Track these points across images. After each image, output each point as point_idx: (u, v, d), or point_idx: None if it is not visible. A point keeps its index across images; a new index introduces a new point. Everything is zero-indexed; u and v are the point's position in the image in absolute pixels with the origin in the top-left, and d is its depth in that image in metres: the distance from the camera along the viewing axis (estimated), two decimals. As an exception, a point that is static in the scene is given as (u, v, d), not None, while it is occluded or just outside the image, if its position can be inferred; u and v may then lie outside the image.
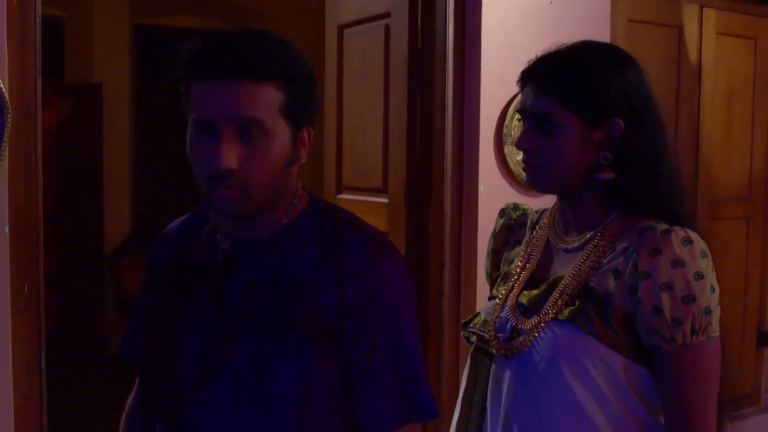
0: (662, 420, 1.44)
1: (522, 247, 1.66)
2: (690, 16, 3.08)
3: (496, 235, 1.76)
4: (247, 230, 1.36)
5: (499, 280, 1.67)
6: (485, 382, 1.57)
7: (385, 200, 2.80)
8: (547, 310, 1.48)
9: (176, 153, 7.20)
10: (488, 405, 1.55)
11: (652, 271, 1.38)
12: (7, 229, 1.90)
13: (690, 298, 1.37)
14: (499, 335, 1.53)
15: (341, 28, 3.05)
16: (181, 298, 1.39)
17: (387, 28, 2.78)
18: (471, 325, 1.64)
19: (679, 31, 3.06)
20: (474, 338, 1.61)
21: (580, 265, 1.48)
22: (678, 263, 1.37)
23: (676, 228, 1.41)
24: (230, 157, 1.23)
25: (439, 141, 2.63)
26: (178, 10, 6.64)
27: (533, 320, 1.49)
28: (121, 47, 6.25)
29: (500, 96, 2.60)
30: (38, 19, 1.97)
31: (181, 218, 1.53)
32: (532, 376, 1.46)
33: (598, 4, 2.79)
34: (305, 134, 1.33)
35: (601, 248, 1.48)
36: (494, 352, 1.54)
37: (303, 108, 1.30)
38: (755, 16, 3.31)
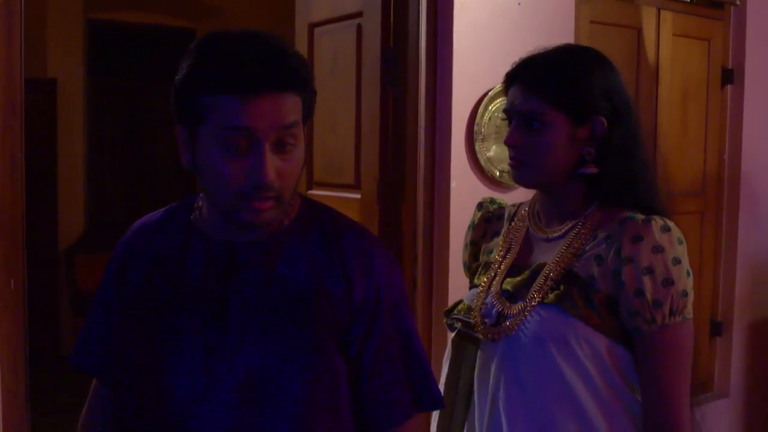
0: (639, 397, 1.54)
1: (501, 237, 1.75)
2: (648, 18, 3.20)
3: (474, 227, 1.84)
4: (244, 234, 1.35)
5: (480, 270, 1.75)
6: (470, 366, 1.65)
7: (358, 196, 2.85)
8: (533, 295, 1.57)
9: (130, 150, 7.16)
10: (475, 388, 1.63)
11: (635, 256, 1.49)
12: (-6, 226, 1.92)
13: (669, 282, 1.48)
14: (486, 320, 1.62)
15: (311, 27, 3.09)
16: (172, 306, 1.36)
17: (359, 27, 2.83)
18: (455, 312, 1.72)
19: (639, 32, 3.17)
20: (458, 324, 1.69)
21: (562, 253, 1.58)
22: (658, 249, 1.49)
23: (656, 217, 1.53)
24: (272, 169, 1.24)
25: (411, 138, 2.69)
26: (134, 5, 6.59)
27: (519, 305, 1.58)
28: (75, 42, 6.18)
29: (471, 94, 2.67)
30: (22, 18, 1.98)
31: (155, 216, 1.49)
32: (519, 358, 1.55)
33: (563, 6, 2.88)
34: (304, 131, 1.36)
35: (582, 237, 1.59)
36: (480, 336, 1.62)
37: (310, 108, 1.33)
38: (708, 18, 3.45)
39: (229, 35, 1.29)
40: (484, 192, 2.68)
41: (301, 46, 3.13)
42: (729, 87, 3.52)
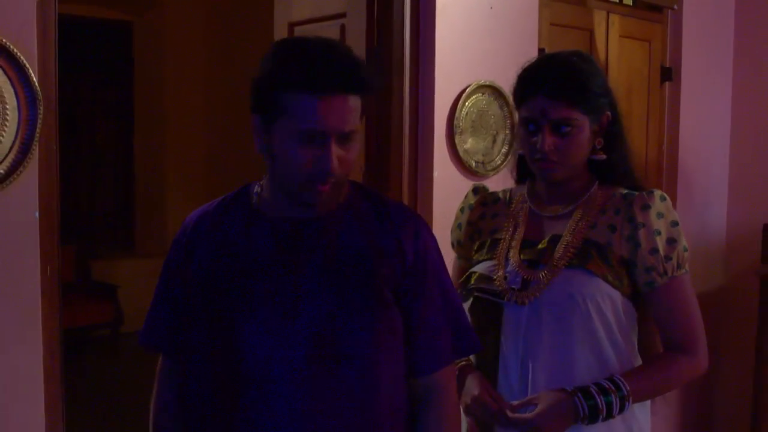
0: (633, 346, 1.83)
1: (504, 217, 1.96)
2: (599, 21, 3.49)
3: (472, 209, 2.05)
4: (306, 212, 1.55)
5: (486, 246, 1.95)
6: (496, 329, 1.84)
7: (342, 186, 3.03)
8: (557, 261, 1.79)
9: (69, 142, 7.09)
10: (503, 347, 1.82)
11: (646, 222, 1.76)
12: (37, 215, 2.03)
13: (673, 240, 1.76)
14: (513, 287, 1.82)
15: (292, 26, 3.25)
16: (243, 277, 1.54)
17: (343, 27, 3.01)
18: (471, 283, 1.91)
19: (591, 33, 3.46)
20: (479, 294, 1.88)
21: (576, 225, 1.82)
22: (661, 215, 1.77)
23: (654, 189, 1.81)
24: (335, 161, 1.46)
25: (397, 131, 2.89)
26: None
27: (543, 271, 1.80)
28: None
29: (451, 91, 2.89)
30: (56, 17, 2.09)
31: (211, 206, 1.67)
32: (549, 315, 1.77)
33: (528, 10, 3.13)
34: None
35: (592, 211, 1.83)
36: (506, 301, 1.82)
37: (368, 106, 1.54)
38: (649, 21, 3.77)
39: (306, 41, 1.50)
40: (462, 181, 2.90)
41: (280, 44, 3.28)
42: (667, 84, 3.85)
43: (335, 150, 1.46)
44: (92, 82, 7.05)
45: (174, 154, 7.15)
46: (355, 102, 1.47)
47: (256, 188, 1.64)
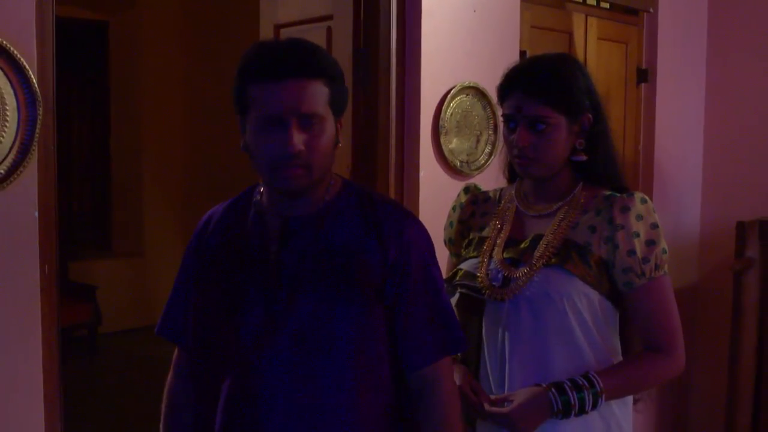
0: (617, 341, 1.88)
1: (493, 216, 2.02)
2: (578, 24, 3.57)
3: (462, 208, 2.10)
4: (294, 209, 1.62)
5: (473, 243, 2.02)
6: (478, 325, 1.90)
7: (330, 184, 3.08)
8: (537, 260, 1.84)
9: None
10: (485, 342, 1.88)
11: (625, 223, 1.80)
12: (36, 214, 2.06)
13: (651, 243, 1.80)
14: (493, 284, 1.88)
15: (278, 27, 3.28)
16: (238, 273, 1.62)
17: (329, 29, 3.06)
18: (456, 279, 1.97)
19: (570, 36, 3.53)
20: (462, 290, 1.94)
21: (558, 225, 1.87)
22: (640, 217, 1.81)
23: (636, 192, 1.86)
24: (298, 141, 1.51)
25: (383, 132, 2.95)
26: None
27: (523, 269, 1.85)
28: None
29: (436, 92, 2.95)
30: (54, 18, 2.12)
31: (223, 205, 1.75)
32: (526, 313, 1.82)
33: (509, 13, 3.21)
34: (340, 122, 1.63)
35: (574, 212, 1.87)
36: (487, 298, 1.87)
37: (340, 100, 1.60)
38: (626, 24, 3.86)
39: (271, 39, 1.59)
40: (447, 180, 2.97)
41: (266, 45, 3.31)
42: (643, 85, 3.94)
43: (296, 133, 1.51)
44: (68, 82, 7.01)
45: (150, 155, 7.15)
46: (313, 87, 1.53)
47: (260, 186, 1.71)
